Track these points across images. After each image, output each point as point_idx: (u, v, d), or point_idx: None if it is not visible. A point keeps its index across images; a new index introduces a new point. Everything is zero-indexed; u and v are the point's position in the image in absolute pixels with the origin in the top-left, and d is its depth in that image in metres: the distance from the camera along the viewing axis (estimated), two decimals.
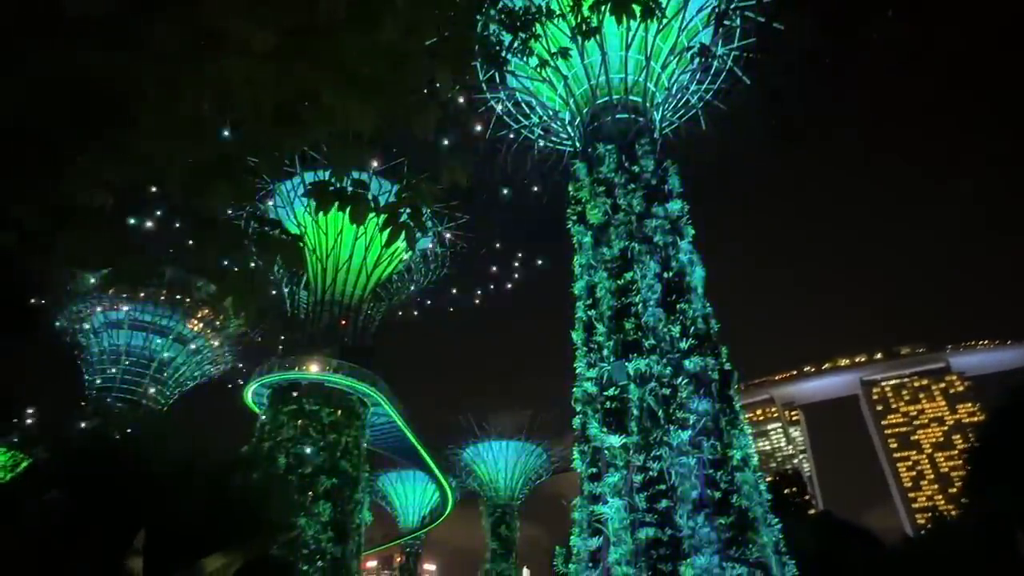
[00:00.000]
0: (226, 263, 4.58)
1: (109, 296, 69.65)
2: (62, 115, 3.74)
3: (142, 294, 71.48)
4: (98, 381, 70.32)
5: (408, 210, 4.58)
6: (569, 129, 37.05)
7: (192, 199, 4.15)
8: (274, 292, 60.39)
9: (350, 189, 4.45)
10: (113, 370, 70.40)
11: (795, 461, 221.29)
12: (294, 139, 4.22)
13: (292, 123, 4.07)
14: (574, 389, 27.81)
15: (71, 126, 3.81)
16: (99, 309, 69.61)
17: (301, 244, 4.29)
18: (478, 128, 37.62)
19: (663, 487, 22.91)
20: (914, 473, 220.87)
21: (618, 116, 32.97)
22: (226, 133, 4.19)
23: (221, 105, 3.97)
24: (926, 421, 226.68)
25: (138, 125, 3.83)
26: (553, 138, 40.33)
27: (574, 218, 31.33)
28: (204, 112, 3.99)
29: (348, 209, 4.47)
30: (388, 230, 4.56)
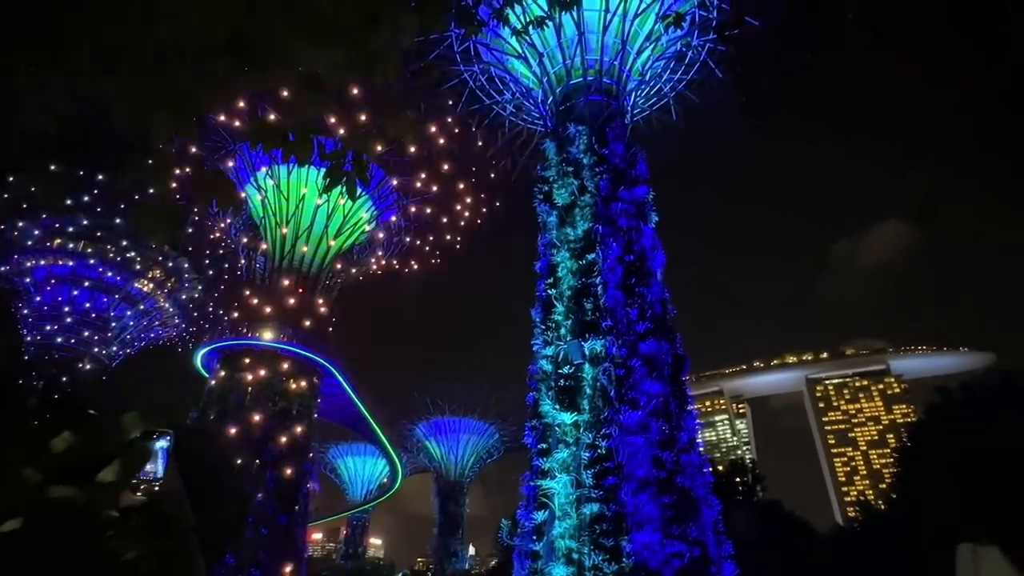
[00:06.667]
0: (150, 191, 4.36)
1: (54, 249, 66.76)
2: None
3: (89, 249, 68.77)
4: (38, 337, 67.53)
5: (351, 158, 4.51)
6: (541, 108, 36.87)
7: (133, 126, 3.93)
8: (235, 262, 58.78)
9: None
10: (54, 326, 67.67)
11: (738, 452, 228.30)
12: (248, 78, 4.01)
13: (246, 60, 3.86)
14: (529, 366, 28.01)
15: (5, 32, 3.55)
16: (43, 262, 66.62)
17: (233, 190, 4.10)
18: (441, 83, 37.11)
19: (610, 465, 23.34)
20: (848, 468, 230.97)
21: (591, 98, 32.92)
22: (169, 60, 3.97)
23: (172, 28, 3.75)
24: (864, 420, 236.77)
25: (81, 38, 3.61)
26: (524, 116, 40.09)
27: (540, 197, 31.30)
28: (155, 34, 3.77)
29: (293, 151, 4.35)
30: (330, 180, 4.51)
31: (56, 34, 3.63)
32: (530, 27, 29.80)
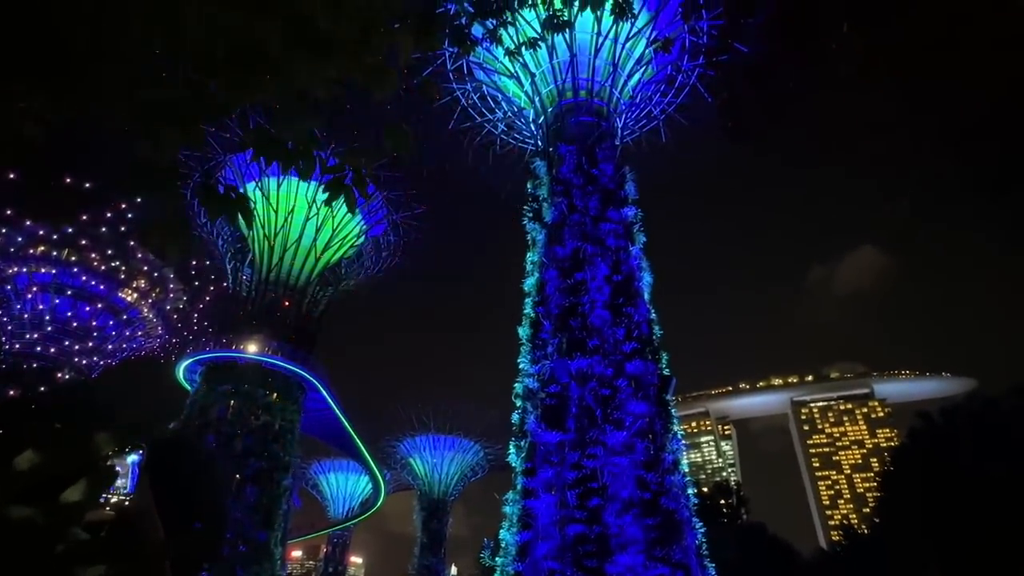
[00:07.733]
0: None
1: (37, 256, 65.90)
2: None
3: (73, 258, 67.95)
4: (17, 345, 66.40)
5: (351, 172, 4.51)
6: (532, 127, 37.20)
7: (138, 142, 3.91)
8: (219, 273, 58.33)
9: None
10: (35, 335, 66.58)
11: (724, 474, 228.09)
12: (243, 93, 4.00)
13: (245, 74, 3.86)
14: (515, 384, 27.88)
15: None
16: (25, 269, 65.69)
17: (248, 205, 4.05)
18: (436, 101, 37.32)
19: (595, 485, 23.20)
20: (832, 492, 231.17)
21: (581, 119, 33.26)
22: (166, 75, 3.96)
23: (171, 43, 3.75)
24: (848, 443, 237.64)
25: (77, 57, 3.59)
26: (516, 135, 40.42)
27: (530, 215, 31.46)
28: (154, 48, 3.77)
29: (294, 165, 4.34)
30: (330, 194, 4.51)
31: (59, 59, 3.61)
32: (523, 48, 30.15)
